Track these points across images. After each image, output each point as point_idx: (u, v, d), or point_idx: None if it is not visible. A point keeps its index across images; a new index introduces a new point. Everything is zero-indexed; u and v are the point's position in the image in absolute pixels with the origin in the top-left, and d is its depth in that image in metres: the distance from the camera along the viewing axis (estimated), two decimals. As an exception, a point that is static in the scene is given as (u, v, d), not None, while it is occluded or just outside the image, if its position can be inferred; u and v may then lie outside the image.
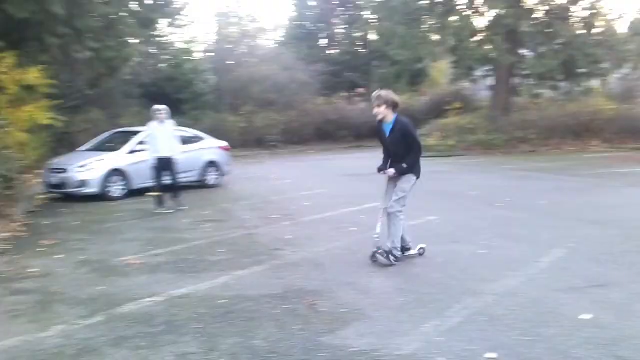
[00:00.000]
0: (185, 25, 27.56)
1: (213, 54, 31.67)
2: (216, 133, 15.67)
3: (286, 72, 28.38)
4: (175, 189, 10.04)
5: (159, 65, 27.91)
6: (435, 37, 24.24)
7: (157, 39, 25.99)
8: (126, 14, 17.15)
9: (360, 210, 9.22)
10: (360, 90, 33.94)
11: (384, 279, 5.41)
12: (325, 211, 9.29)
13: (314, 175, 15.68)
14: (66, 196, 11.41)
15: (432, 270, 5.63)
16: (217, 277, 5.55)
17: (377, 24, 29.53)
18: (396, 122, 5.74)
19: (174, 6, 23.38)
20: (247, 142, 24.45)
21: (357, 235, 7.34)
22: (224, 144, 14.37)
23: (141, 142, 11.79)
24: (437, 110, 26.17)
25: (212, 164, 13.50)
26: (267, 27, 35.78)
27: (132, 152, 11.98)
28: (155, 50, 27.14)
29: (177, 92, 25.40)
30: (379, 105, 5.70)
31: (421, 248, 6.15)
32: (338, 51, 35.17)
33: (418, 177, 5.85)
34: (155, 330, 4.16)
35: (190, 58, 29.13)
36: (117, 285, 5.38)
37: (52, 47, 14.90)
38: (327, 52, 35.58)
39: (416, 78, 32.26)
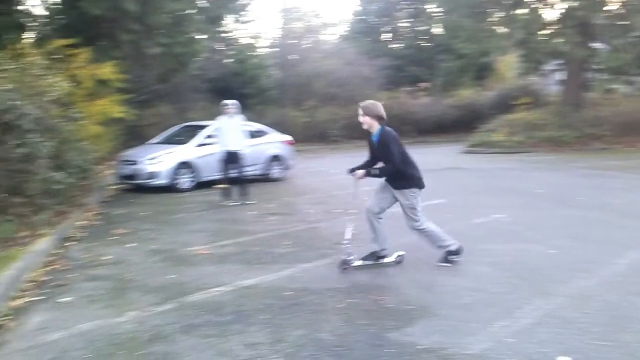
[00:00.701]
0: (250, 21, 28.01)
1: (277, 49, 31.98)
2: (279, 127, 15.83)
3: (349, 66, 28.33)
4: (242, 182, 10.23)
5: (225, 60, 28.46)
6: (502, 30, 23.58)
7: (223, 34, 26.52)
8: (194, 11, 17.58)
9: (423, 206, 9.07)
10: (424, 84, 33.45)
11: (450, 276, 5.33)
12: (388, 207, 9.21)
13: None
14: (137, 187, 11.84)
15: (499, 269, 5.51)
16: (282, 269, 5.63)
17: (442, 16, 29.06)
18: (380, 134, 5.67)
19: (240, 2, 23.78)
20: (309, 136, 24.60)
21: (422, 231, 7.25)
22: (289, 138, 14.53)
23: (209, 136, 12.10)
24: (504, 105, 25.46)
25: (276, 157, 13.69)
26: (331, 22, 35.76)
27: (200, 145, 12.29)
28: (222, 46, 27.67)
29: (242, 87, 25.84)
30: (363, 115, 5.68)
31: (399, 256, 5.91)
32: (401, 45, 34.84)
33: (420, 188, 5.71)
34: (224, 319, 4.26)
35: (255, 53, 29.55)
36: (187, 274, 5.54)
37: (124, 43, 15.44)
38: (390, 46, 35.30)
39: (482, 72, 31.56)
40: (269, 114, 23.90)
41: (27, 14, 15.75)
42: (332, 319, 4.21)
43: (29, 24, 15.82)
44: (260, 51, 30.86)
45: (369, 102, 5.78)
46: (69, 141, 9.01)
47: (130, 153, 12.68)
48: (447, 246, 5.74)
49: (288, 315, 4.31)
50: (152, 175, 11.70)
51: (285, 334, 3.92)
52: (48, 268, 5.82)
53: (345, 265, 5.59)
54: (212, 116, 15.44)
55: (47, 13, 16.53)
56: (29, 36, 15.65)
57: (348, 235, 5.70)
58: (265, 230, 7.70)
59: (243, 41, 29.47)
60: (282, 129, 15.82)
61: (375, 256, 5.78)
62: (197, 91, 24.87)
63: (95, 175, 10.92)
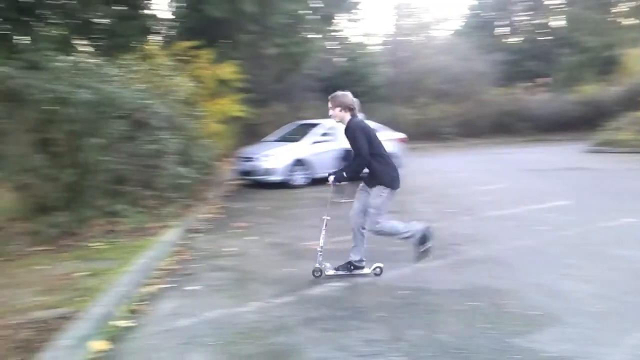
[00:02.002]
0: (361, 20, 28.13)
1: (388, 47, 31.85)
2: (389, 125, 15.73)
3: (462, 62, 27.63)
4: (356, 180, 10.27)
5: (336, 59, 28.78)
6: (630, 22, 21.92)
7: (335, 33, 26.83)
8: (309, 11, 17.94)
9: (545, 208, 8.71)
10: (542, 79, 31.89)
11: (577, 282, 5.03)
12: (506, 207, 8.89)
13: (492, 169, 15.09)
14: (254, 183, 12.30)
15: (632, 277, 5.13)
16: (397, 268, 5.60)
17: (563, 8, 27.54)
18: (348, 125, 5.30)
19: (351, 1, 23.93)
20: (420, 134, 24.28)
21: (544, 234, 6.93)
22: (402, 136, 14.42)
23: (324, 134, 12.33)
24: (632, 101, 23.66)
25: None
26: (443, 17, 35.08)
27: (315, 142, 12.53)
28: (334, 45, 28.00)
29: (353, 85, 25.95)
30: (332, 107, 5.33)
31: (377, 267, 5.46)
32: (518, 39, 33.42)
33: (392, 188, 5.24)
34: (342, 314, 4.31)
35: (366, 51, 29.61)
36: (304, 268, 5.65)
37: (243, 44, 16.11)
38: (506, 40, 33.98)
39: (607, 66, 29.52)
40: (379, 112, 23.85)
41: (153, 17, 16.83)
42: (451, 320, 4.13)
43: (155, 28, 16.91)
44: (371, 49, 30.88)
45: (338, 93, 5.38)
46: (194, 138, 9.54)
47: (247, 150, 13.17)
48: (410, 236, 5.34)
49: (405, 314, 4.28)
50: (268, 172, 12.10)
51: (404, 333, 3.89)
52: (176, 258, 6.19)
53: (317, 273, 5.35)
54: (324, 115, 15.63)
55: (173, 17, 17.59)
56: (154, 39, 16.74)
57: (321, 242, 5.43)
58: (378, 228, 7.69)
59: (354, 40, 29.64)
60: (393, 127, 15.72)
61: (351, 266, 5.45)
62: (310, 90, 25.35)
63: (216, 171, 11.48)
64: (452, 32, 35.15)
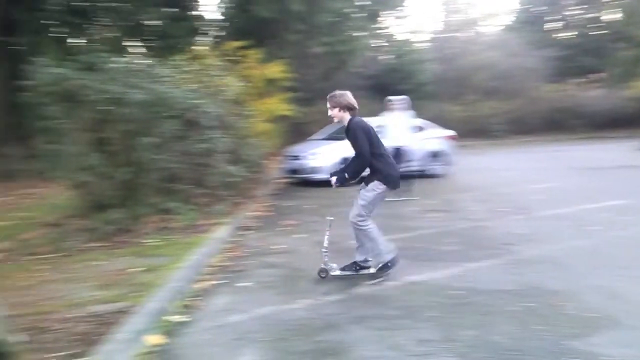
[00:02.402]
0: (407, 17, 27.89)
1: (435, 44, 31.48)
2: (437, 122, 15.56)
3: (512, 58, 27.04)
4: (407, 178, 10.22)
5: (383, 57, 28.63)
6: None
7: (381, 31, 26.69)
8: (355, 9, 17.90)
9: (600, 207, 8.44)
10: (596, 75, 30.89)
11: (635, 284, 4.85)
12: (559, 206, 8.66)
13: (543, 168, 14.72)
14: (301, 181, 12.36)
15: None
16: (448, 267, 5.53)
17: (619, 2, 26.59)
18: (349, 125, 5.16)
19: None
20: (468, 131, 23.89)
21: (600, 234, 6.72)
22: (451, 133, 14.24)
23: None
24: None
25: (437, 153, 13.47)
26: (492, 13, 34.39)
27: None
28: (381, 43, 27.86)
29: (399, 82, 25.83)
30: (331, 108, 5.19)
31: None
32: (570, 34, 32.46)
33: (388, 186, 5.15)
34: (392, 314, 4.28)
35: (413, 49, 29.35)
36: (353, 267, 5.65)
37: (290, 43, 16.21)
38: (557, 35, 33.05)
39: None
40: (427, 109, 23.60)
41: (202, 19, 17.16)
42: (505, 321, 4.05)
43: (204, 28, 17.23)
44: (418, 46, 30.60)
45: (336, 93, 5.25)
46: (243, 137, 9.65)
47: (294, 149, 13.24)
48: (379, 256, 5.22)
49: (457, 314, 4.22)
50: (315, 170, 12.14)
51: (456, 333, 3.84)
52: (227, 254, 6.28)
53: (323, 273, 5.28)
54: (370, 113, 15.54)
55: (222, 17, 17.86)
56: (204, 39, 17.05)
57: (325, 242, 5.38)
58: (428, 226, 7.62)
59: (401, 37, 29.41)
60: (440, 124, 15.53)
61: (357, 266, 5.38)
62: (356, 88, 25.24)
63: (264, 170, 11.60)
64: (502, 27, 34.45)
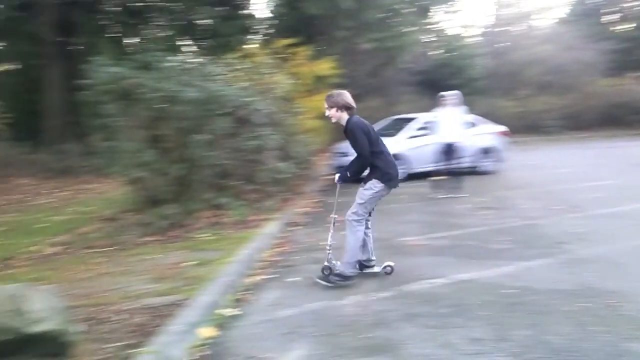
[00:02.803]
0: (459, 11, 27.43)
1: (487, 38, 30.87)
2: (488, 118, 15.25)
3: (566, 52, 26.23)
4: (457, 175, 10.09)
5: (433, 52, 28.28)
6: None
7: (431, 26, 26.37)
8: (405, 4, 17.74)
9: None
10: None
11: (702, 286, 4.65)
12: (616, 205, 8.36)
13: (600, 164, 14.24)
14: (349, 177, 12.32)
15: None
16: (500, 266, 5.42)
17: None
18: (347, 125, 5.03)
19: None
20: (521, 127, 23.29)
21: (662, 233, 6.47)
22: (504, 129, 13.95)
23: (421, 128, 12.21)
24: None
25: (489, 149, 13.22)
26: (546, 6, 33.46)
27: (411, 137, 12.39)
28: (431, 38, 27.53)
29: (450, 78, 25.42)
30: (328, 108, 5.07)
31: (387, 266, 5.33)
32: (628, 26, 31.21)
33: (386, 185, 5.07)
34: (443, 312, 4.24)
35: (463, 43, 28.87)
36: (403, 264, 5.61)
37: (339, 40, 16.21)
38: (615, 28, 31.84)
39: None
40: (478, 105, 23.18)
41: (252, 17, 17.36)
42: (560, 321, 3.95)
43: (254, 27, 17.43)
44: (469, 40, 30.06)
45: (333, 92, 5.17)
46: (292, 134, 9.72)
47: (342, 145, 13.21)
48: (349, 263, 5.09)
49: (511, 313, 4.14)
50: (363, 167, 12.07)
51: (510, 333, 3.77)
52: (277, 250, 6.35)
53: (326, 271, 5.16)
54: (419, 109, 15.42)
55: (271, 15, 18.02)
56: (254, 37, 17.25)
57: (329, 240, 5.32)
58: (479, 224, 7.49)
59: (451, 31, 28.98)
60: (492, 120, 15.22)
61: (361, 265, 5.31)
62: (405, 84, 25.09)
63: (312, 166, 11.65)
64: (556, 20, 33.45)
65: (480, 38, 31.51)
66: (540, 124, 24.40)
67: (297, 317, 4.23)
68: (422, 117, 12.79)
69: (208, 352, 3.64)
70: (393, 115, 15.71)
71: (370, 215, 5.36)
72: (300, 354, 3.58)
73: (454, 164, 10.01)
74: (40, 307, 3.31)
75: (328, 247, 5.32)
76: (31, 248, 6.64)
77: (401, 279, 5.14)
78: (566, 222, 7.33)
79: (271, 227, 7.07)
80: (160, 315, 4.06)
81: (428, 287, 4.86)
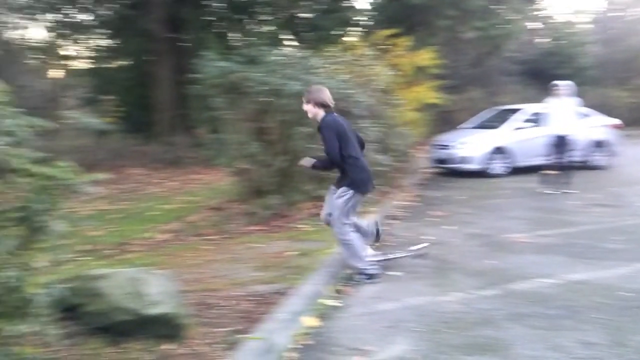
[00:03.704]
0: (568, -4, 26.02)
1: (598, 24, 29.03)
2: (599, 109, 14.36)
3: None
4: (568, 169, 9.58)
5: (539, 40, 27.03)
6: None
7: (538, 12, 25.19)
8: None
9: None
10: None
11: None
12: None
13: None
14: (449, 171, 12.10)
15: None
16: (614, 267, 5.12)
17: None
18: (320, 123, 4.88)
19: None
20: (636, 119, 21.79)
21: None
22: (616, 121, 13.10)
23: (527, 120, 11.76)
24: None
25: (601, 143, 12.47)
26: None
27: (517, 129, 11.93)
28: (537, 25, 26.31)
29: (557, 67, 24.18)
30: (305, 103, 4.96)
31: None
32: None
33: (357, 191, 4.92)
34: (553, 313, 4.06)
35: (573, 30, 27.35)
36: (507, 261, 5.45)
37: (440, 30, 15.88)
38: None
39: None
40: (588, 95, 21.86)
41: (353, 9, 17.38)
42: (686, 329, 3.67)
43: (355, 19, 17.46)
44: (578, 27, 28.43)
45: (312, 87, 4.99)
46: (391, 126, 9.66)
47: (443, 137, 12.98)
48: (365, 265, 4.99)
49: (628, 317, 3.90)
50: (464, 160, 11.81)
51: (627, 338, 3.55)
52: (376, 243, 6.34)
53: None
54: (524, 100, 14.81)
55: (371, 7, 17.97)
56: (354, 30, 17.28)
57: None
58: (590, 222, 7.10)
59: (559, 18, 27.51)
60: (604, 111, 14.32)
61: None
62: (508, 74, 24.16)
63: (411, 159, 11.52)
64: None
65: (591, 25, 29.69)
66: (659, 115, 22.69)
67: (398, 312, 4.21)
68: (528, 108, 12.28)
69: (311, 342, 3.71)
70: (495, 106, 15.20)
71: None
72: (403, 349, 3.56)
73: (565, 158, 9.50)
74: (157, 291, 3.52)
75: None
76: (145, 235, 7.06)
77: (505, 276, 4.97)
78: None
79: (370, 220, 7.06)
80: (266, 302, 4.19)
81: (536, 287, 4.67)
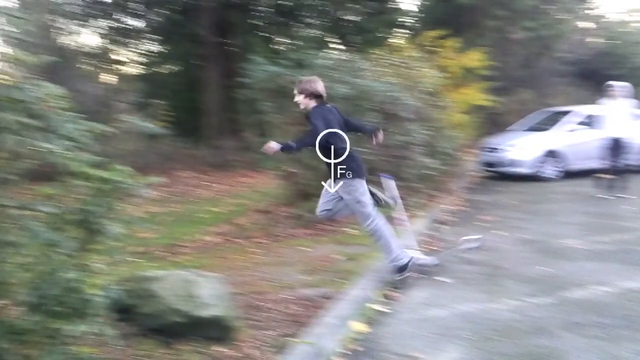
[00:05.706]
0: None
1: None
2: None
3: None
4: (622, 173, 9.24)
5: (592, 40, 26.26)
6: None
7: (590, 12, 24.51)
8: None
9: None
10: None
11: None
12: None
13: None
14: (499, 175, 11.85)
15: None
16: (677, 276, 4.91)
17: None
18: (309, 111, 4.78)
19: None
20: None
21: None
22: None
23: (581, 122, 11.43)
24: None
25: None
26: None
27: (570, 131, 11.60)
28: (589, 25, 25.57)
29: (611, 67, 23.39)
30: (297, 94, 4.85)
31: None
32: None
33: (360, 178, 4.85)
34: (609, 322, 3.92)
35: (627, 30, 26.47)
36: (561, 268, 5.29)
37: (489, 31, 15.61)
38: None
39: None
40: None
41: (400, 11, 17.27)
42: None
43: (401, 20, 17.35)
44: (633, 26, 27.48)
45: (303, 78, 4.84)
46: (439, 129, 9.53)
47: (492, 140, 12.73)
48: (396, 259, 4.92)
49: (692, 330, 3.73)
50: (514, 163, 11.55)
51: (692, 352, 3.40)
52: (424, 248, 6.27)
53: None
54: (575, 101, 14.39)
55: (418, 8, 17.82)
56: (401, 31, 17.17)
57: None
58: (648, 228, 6.84)
59: (613, 17, 26.67)
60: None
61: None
62: (559, 75, 23.53)
63: (459, 162, 11.35)
64: None
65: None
66: None
67: (448, 318, 4.14)
68: (581, 110, 11.92)
69: (359, 348, 3.69)
70: (546, 108, 14.82)
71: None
72: (454, 357, 3.51)
73: (620, 162, 9.17)
74: (208, 293, 3.57)
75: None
76: (195, 237, 7.18)
77: (559, 284, 4.83)
78: None
79: (418, 225, 6.99)
80: (314, 306, 4.20)
81: (590, 295, 4.52)
